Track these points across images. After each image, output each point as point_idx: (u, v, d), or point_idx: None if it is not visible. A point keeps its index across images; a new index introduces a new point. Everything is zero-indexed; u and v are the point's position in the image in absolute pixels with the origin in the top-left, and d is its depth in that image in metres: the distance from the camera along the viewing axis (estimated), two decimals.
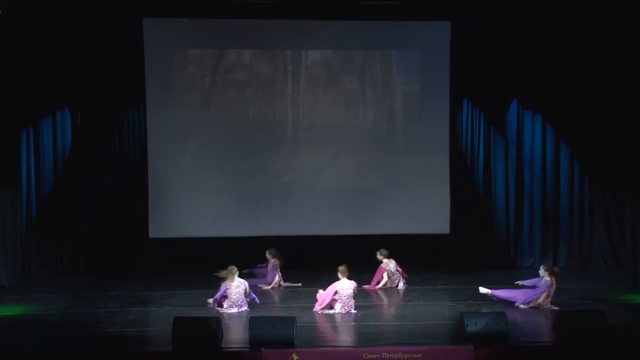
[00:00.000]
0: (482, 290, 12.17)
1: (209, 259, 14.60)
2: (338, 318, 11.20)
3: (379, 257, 13.39)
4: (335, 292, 11.47)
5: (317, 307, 11.56)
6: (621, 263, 14.49)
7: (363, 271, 13.41)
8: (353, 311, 11.42)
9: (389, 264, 13.29)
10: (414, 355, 9.16)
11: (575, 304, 11.60)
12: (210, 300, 11.85)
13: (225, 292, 11.61)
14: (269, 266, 13.64)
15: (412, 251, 15.08)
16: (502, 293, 12.08)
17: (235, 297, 11.55)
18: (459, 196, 15.08)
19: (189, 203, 14.84)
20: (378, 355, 9.16)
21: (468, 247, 14.97)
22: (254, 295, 11.85)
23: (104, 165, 14.75)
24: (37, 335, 10.31)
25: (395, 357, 9.15)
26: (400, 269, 13.35)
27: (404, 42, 15.14)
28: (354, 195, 15.15)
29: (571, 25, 14.56)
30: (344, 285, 11.49)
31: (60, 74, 14.38)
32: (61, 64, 14.35)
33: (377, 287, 13.10)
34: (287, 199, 15.02)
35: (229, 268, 11.70)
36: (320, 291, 11.69)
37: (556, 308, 11.43)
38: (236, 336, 9.85)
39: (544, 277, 11.73)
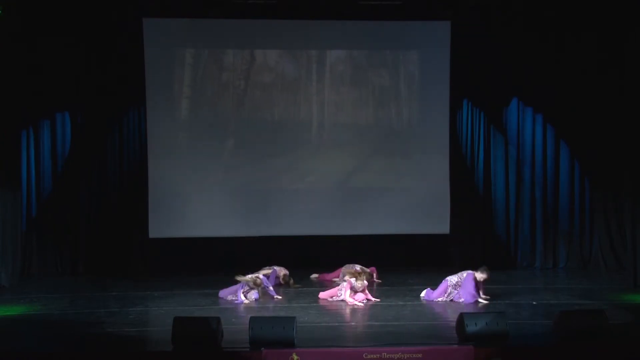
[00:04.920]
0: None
1: (209, 259, 14.67)
2: (340, 316, 11.25)
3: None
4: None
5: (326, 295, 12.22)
6: (621, 263, 14.48)
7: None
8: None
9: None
10: (414, 355, 9.16)
11: (575, 304, 11.61)
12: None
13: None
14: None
15: (412, 251, 15.11)
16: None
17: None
18: (459, 196, 15.09)
19: (188, 203, 14.84)
20: (378, 355, 9.16)
21: (468, 247, 14.98)
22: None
23: (104, 165, 14.74)
24: (37, 335, 10.30)
25: (395, 357, 9.14)
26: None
27: (403, 42, 15.13)
28: (353, 195, 15.14)
29: (572, 24, 14.57)
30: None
31: (60, 74, 14.37)
32: (61, 64, 14.34)
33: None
34: (282, 198, 15.02)
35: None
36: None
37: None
38: (236, 336, 9.84)
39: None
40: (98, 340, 9.98)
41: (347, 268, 13.75)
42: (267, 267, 13.43)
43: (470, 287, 12.03)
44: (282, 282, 13.29)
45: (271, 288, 12.52)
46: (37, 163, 14.62)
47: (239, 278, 12.33)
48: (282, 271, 13.48)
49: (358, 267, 13.56)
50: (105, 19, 14.28)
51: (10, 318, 11.23)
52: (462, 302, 11.95)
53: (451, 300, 12.09)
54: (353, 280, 12.09)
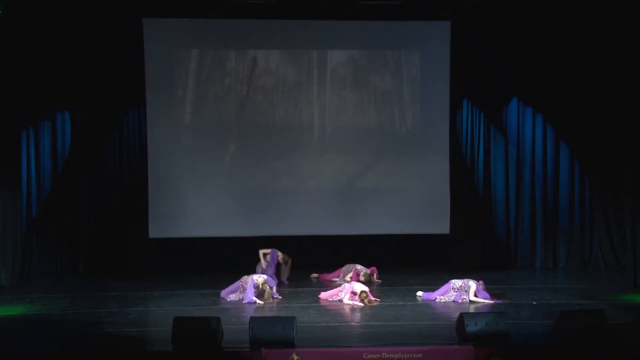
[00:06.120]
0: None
1: (209, 259, 14.67)
2: (340, 316, 11.26)
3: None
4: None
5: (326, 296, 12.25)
6: (621, 263, 14.48)
7: None
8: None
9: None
10: (414, 355, 9.16)
11: (575, 304, 11.61)
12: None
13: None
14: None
15: (412, 251, 15.11)
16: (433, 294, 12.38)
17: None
18: (459, 196, 15.09)
19: (188, 203, 14.84)
20: (378, 355, 9.16)
21: (468, 247, 14.99)
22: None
23: (104, 165, 14.74)
24: (37, 335, 10.30)
25: (395, 357, 9.14)
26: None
27: (403, 42, 15.13)
28: (353, 195, 15.14)
29: (572, 24, 14.57)
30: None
31: (60, 74, 14.37)
32: (61, 65, 14.34)
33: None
34: (283, 198, 15.01)
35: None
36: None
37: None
38: (236, 336, 9.84)
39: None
40: (98, 340, 9.98)
41: (347, 268, 13.78)
42: (267, 249, 13.63)
43: (485, 294, 12.12)
44: (281, 261, 13.41)
45: (274, 290, 12.51)
46: (37, 163, 14.62)
47: (258, 281, 12.35)
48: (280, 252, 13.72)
49: (359, 267, 13.58)
50: (105, 19, 14.28)
51: (10, 318, 11.22)
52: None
53: (452, 300, 12.08)
54: (357, 289, 12.06)
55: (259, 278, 12.38)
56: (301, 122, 15.07)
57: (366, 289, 12.12)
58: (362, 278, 13.33)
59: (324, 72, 15.04)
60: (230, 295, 12.32)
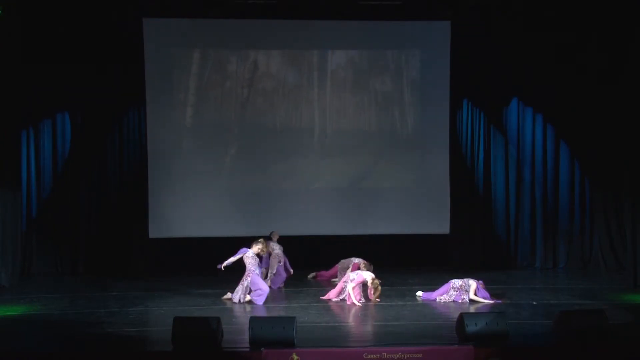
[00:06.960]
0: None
1: (210, 259, 14.64)
2: (340, 316, 11.27)
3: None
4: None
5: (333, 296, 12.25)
6: (621, 263, 14.49)
7: None
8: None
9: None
10: (414, 355, 9.16)
11: (575, 304, 11.61)
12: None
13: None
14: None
15: (412, 251, 15.12)
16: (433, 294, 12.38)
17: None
18: (459, 196, 15.10)
19: (188, 203, 14.84)
20: (378, 355, 9.16)
21: (468, 247, 14.99)
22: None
23: (104, 165, 14.76)
24: (37, 335, 10.30)
25: (395, 357, 9.14)
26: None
27: (403, 42, 15.14)
28: (353, 195, 15.15)
29: (572, 24, 14.57)
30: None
31: (61, 74, 14.37)
32: (61, 65, 14.34)
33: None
34: (283, 198, 15.04)
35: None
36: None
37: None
38: (236, 336, 9.84)
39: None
40: (98, 340, 9.98)
41: (342, 264, 13.74)
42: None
43: (485, 293, 12.14)
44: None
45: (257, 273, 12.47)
46: (37, 163, 14.64)
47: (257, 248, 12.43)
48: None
49: (356, 260, 13.51)
50: (105, 19, 14.28)
51: (10, 318, 11.23)
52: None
53: (452, 300, 12.09)
54: (367, 277, 12.04)
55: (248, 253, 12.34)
56: (301, 124, 15.09)
57: (374, 276, 12.09)
58: (363, 268, 13.26)
59: (324, 74, 15.07)
60: (257, 297, 12.08)
